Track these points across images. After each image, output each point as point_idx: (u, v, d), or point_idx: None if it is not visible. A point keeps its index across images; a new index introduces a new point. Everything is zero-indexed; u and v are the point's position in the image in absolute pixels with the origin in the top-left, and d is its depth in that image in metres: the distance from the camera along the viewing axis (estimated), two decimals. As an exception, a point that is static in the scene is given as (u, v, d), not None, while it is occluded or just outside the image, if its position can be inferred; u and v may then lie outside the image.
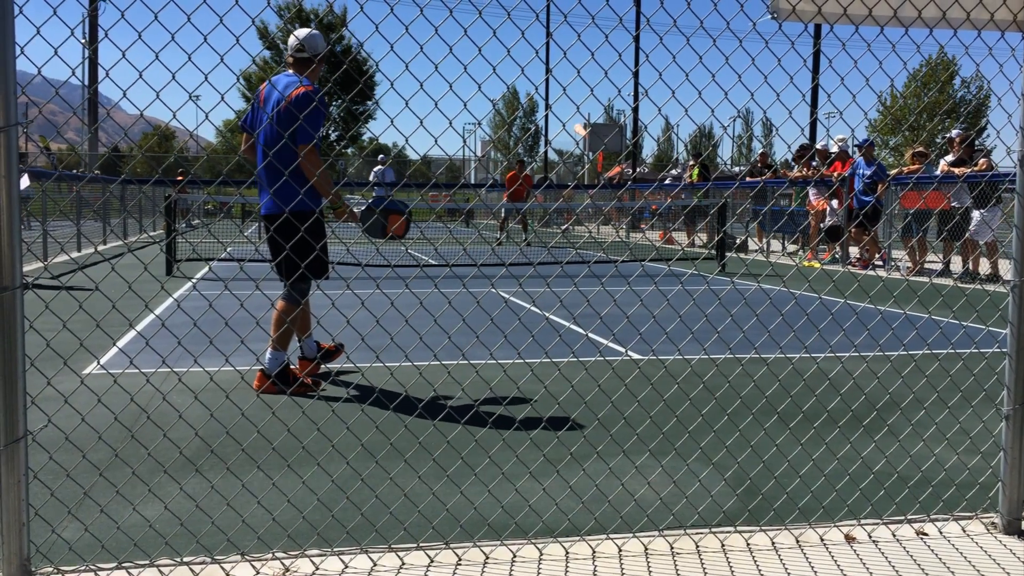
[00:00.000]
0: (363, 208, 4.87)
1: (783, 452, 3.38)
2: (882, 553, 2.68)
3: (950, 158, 12.21)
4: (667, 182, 21.16)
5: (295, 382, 4.66)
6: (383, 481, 3.16)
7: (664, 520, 2.94)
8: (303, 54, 4.88)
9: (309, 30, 4.99)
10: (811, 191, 14.82)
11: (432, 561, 2.55)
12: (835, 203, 14.24)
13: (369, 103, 42.19)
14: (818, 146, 15.42)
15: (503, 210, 19.52)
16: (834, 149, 14.65)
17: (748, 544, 2.72)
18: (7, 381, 2.21)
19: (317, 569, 2.49)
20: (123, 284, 2.44)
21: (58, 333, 2.69)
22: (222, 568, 2.47)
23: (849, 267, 13.57)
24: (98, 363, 2.96)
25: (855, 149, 13.88)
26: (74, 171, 17.43)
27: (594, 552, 2.65)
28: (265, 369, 4.82)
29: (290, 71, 4.91)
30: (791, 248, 16.54)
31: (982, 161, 11.97)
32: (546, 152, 50.01)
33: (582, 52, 2.83)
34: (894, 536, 2.82)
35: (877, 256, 13.50)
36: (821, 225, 14.56)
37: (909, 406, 4.07)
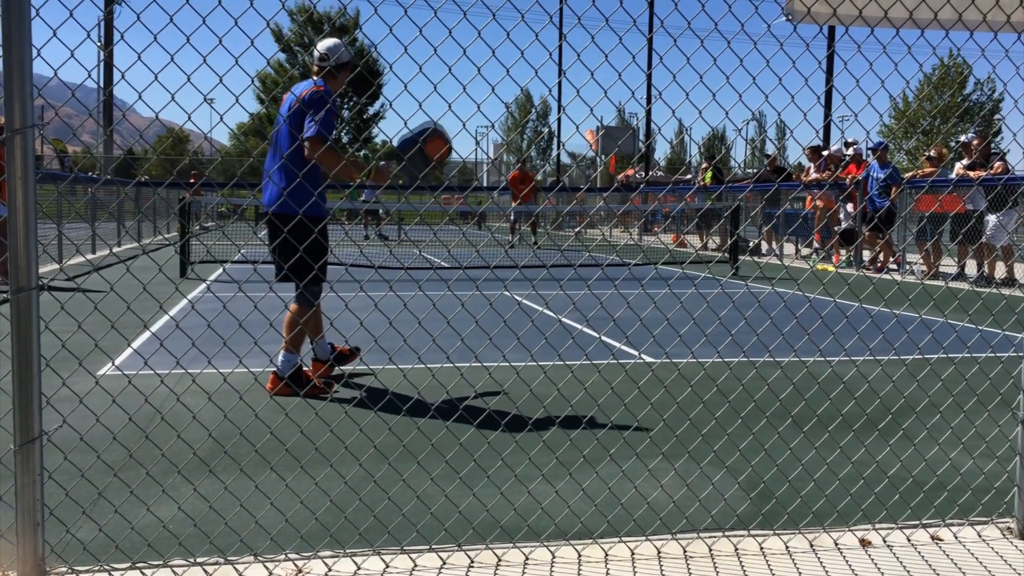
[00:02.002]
0: (400, 144, 4.58)
1: (797, 456, 3.36)
2: (897, 558, 2.66)
3: (965, 162, 12.14)
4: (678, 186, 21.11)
5: (308, 384, 4.67)
6: (396, 483, 3.17)
7: (677, 523, 2.93)
8: (326, 64, 4.96)
9: (334, 40, 5.08)
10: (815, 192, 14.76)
11: (444, 563, 2.55)
12: (849, 207, 14.17)
13: (377, 104, 42.18)
14: (831, 150, 15.35)
15: (513, 213, 19.51)
16: (848, 152, 14.59)
17: (762, 548, 2.71)
18: (23, 381, 2.22)
19: (330, 571, 2.49)
20: (138, 286, 2.45)
21: (73, 334, 2.71)
22: (235, 569, 2.48)
23: (863, 271, 13.50)
24: (113, 364, 2.98)
25: (868, 152, 13.82)
26: (89, 173, 17.55)
27: (607, 555, 2.64)
28: (278, 371, 4.84)
29: (313, 78, 4.99)
30: (805, 251, 16.48)
31: (997, 164, 11.89)
32: (559, 155, 49.99)
33: (596, 54, 2.83)
34: (909, 540, 2.80)
35: (891, 260, 13.43)
36: (835, 228, 14.49)
37: (924, 410, 4.04)
